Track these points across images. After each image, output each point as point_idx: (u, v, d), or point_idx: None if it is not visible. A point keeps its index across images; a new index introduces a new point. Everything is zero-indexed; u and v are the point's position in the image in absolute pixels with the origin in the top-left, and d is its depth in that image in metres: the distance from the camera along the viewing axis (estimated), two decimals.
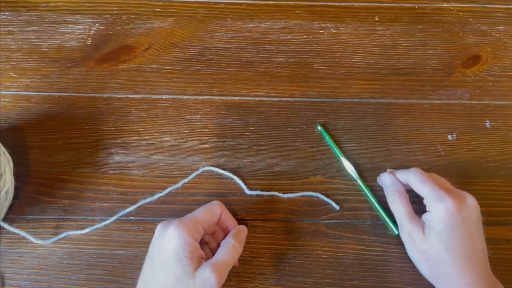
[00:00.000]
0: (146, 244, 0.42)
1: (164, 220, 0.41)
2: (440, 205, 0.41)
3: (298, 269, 0.46)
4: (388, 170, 0.48)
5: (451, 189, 0.43)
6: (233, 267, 0.44)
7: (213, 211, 0.42)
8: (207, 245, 0.44)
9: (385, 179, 0.46)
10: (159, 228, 0.40)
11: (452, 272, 0.40)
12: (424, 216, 0.43)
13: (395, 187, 0.45)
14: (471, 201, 0.42)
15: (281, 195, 0.48)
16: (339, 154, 0.50)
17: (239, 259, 0.45)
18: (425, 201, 0.43)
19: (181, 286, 0.37)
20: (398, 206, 0.44)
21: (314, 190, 0.48)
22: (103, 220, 0.47)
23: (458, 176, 0.50)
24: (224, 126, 0.52)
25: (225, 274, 0.39)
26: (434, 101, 0.53)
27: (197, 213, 0.41)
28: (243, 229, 0.43)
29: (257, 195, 0.48)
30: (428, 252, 0.41)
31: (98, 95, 0.53)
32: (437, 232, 0.41)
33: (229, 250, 0.40)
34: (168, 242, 0.38)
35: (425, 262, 0.42)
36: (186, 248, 0.38)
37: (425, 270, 0.43)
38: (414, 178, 0.44)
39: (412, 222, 0.43)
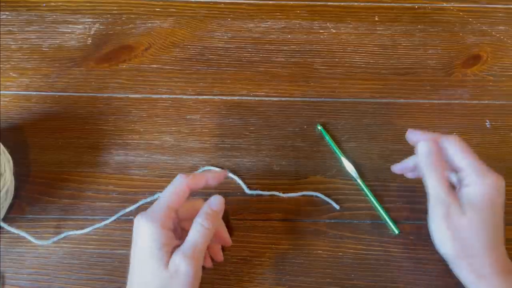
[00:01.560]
0: None
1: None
2: (485, 181, 0.39)
3: (298, 269, 0.46)
4: (417, 132, 0.43)
5: (486, 167, 0.40)
6: (224, 247, 0.42)
7: (178, 189, 0.38)
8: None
9: (422, 147, 0.41)
10: (134, 223, 0.37)
11: (482, 253, 0.38)
12: (462, 191, 0.40)
13: (432, 158, 0.41)
14: (503, 183, 0.40)
15: (281, 194, 0.48)
16: (339, 154, 0.50)
17: (238, 259, 0.46)
18: (463, 175, 0.40)
19: (158, 280, 0.35)
20: (436, 179, 0.40)
21: (314, 190, 0.48)
22: (103, 220, 0.47)
23: None
24: (224, 126, 0.52)
25: (199, 257, 0.36)
26: (434, 101, 0.53)
27: (163, 198, 0.38)
28: (215, 200, 0.39)
29: (257, 195, 0.48)
30: (463, 229, 0.38)
31: (98, 94, 0.53)
32: (479, 209, 0.38)
33: (197, 231, 0.37)
34: (141, 238, 0.36)
35: (456, 240, 0.39)
36: (158, 241, 0.36)
37: (452, 249, 0.39)
38: (455, 148, 0.40)
39: (450, 196, 0.39)
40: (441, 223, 0.39)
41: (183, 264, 0.35)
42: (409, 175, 0.47)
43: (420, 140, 0.42)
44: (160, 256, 0.36)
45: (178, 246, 0.37)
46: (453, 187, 0.41)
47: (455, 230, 0.39)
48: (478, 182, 0.39)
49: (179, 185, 0.39)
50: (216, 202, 0.39)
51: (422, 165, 0.41)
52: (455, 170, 0.41)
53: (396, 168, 0.46)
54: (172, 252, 0.36)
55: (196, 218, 0.38)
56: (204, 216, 0.38)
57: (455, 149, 0.40)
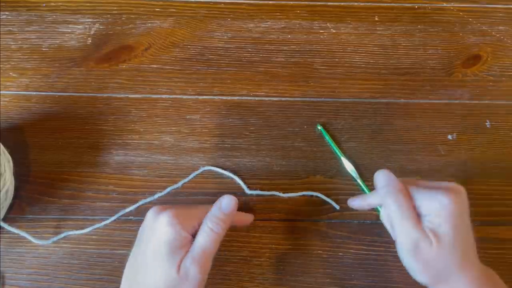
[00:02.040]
0: None
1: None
2: (436, 202, 0.37)
3: (298, 269, 0.46)
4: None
5: (433, 185, 0.39)
6: (245, 226, 0.42)
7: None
8: None
9: (379, 176, 0.40)
10: (151, 213, 0.37)
11: (457, 276, 0.37)
12: (423, 221, 0.37)
13: (392, 186, 0.38)
14: (459, 189, 0.38)
15: (281, 194, 0.48)
16: (339, 154, 0.50)
17: (238, 259, 0.46)
18: (421, 208, 0.38)
19: (168, 282, 0.35)
20: (399, 210, 0.37)
21: (314, 190, 0.48)
22: (103, 220, 0.47)
23: (458, 176, 0.50)
24: (224, 126, 0.52)
25: (208, 262, 0.36)
26: (434, 101, 0.53)
27: (195, 209, 0.38)
28: (224, 204, 0.38)
29: (257, 195, 0.48)
30: (434, 259, 0.37)
31: (98, 95, 0.53)
32: (444, 234, 0.36)
33: (206, 235, 0.36)
34: (162, 230, 0.35)
35: (427, 271, 0.37)
36: (178, 241, 0.35)
37: (426, 278, 0.38)
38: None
39: (417, 228, 0.37)
40: (409, 257, 0.37)
41: (192, 269, 0.35)
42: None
43: (381, 179, 0.39)
44: (175, 259, 0.35)
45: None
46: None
47: (425, 263, 0.37)
48: (431, 206, 0.37)
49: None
50: (228, 204, 0.38)
51: (383, 195, 0.38)
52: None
53: (354, 203, 0.43)
54: (185, 255, 0.36)
55: (205, 220, 0.37)
56: (215, 220, 0.37)
57: (411, 186, 0.39)
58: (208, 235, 0.37)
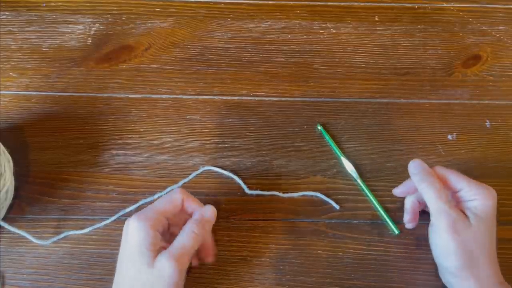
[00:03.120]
0: None
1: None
2: (487, 194, 0.41)
3: (298, 269, 0.46)
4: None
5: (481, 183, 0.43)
6: (205, 259, 0.43)
7: (173, 200, 0.41)
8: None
9: (412, 165, 0.43)
10: (125, 224, 0.39)
11: (486, 264, 0.40)
12: (467, 205, 0.41)
13: (426, 173, 0.42)
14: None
15: (281, 194, 0.48)
16: (339, 154, 0.50)
17: (238, 259, 0.46)
18: (463, 192, 0.42)
19: (144, 278, 0.36)
20: (435, 193, 0.41)
21: (314, 190, 0.48)
22: (103, 220, 0.47)
23: None
24: (224, 126, 0.52)
25: (185, 261, 0.38)
26: (434, 101, 0.53)
27: (158, 204, 0.40)
28: (207, 211, 0.41)
29: (257, 195, 0.48)
30: (469, 241, 0.39)
31: (98, 95, 0.53)
32: (484, 220, 0.40)
33: (187, 236, 0.38)
34: (131, 235, 0.38)
35: (461, 252, 0.39)
36: (148, 240, 0.37)
37: (458, 260, 0.40)
38: (447, 171, 0.43)
39: (455, 209, 0.40)
40: (446, 235, 0.40)
41: (167, 265, 0.36)
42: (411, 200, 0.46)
43: (415, 167, 0.43)
44: (148, 254, 0.37)
45: (164, 248, 0.38)
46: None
47: (461, 242, 0.39)
48: (482, 195, 0.41)
49: (174, 194, 0.41)
50: (209, 212, 0.41)
51: (417, 182, 0.42)
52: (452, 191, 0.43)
53: (398, 191, 0.47)
54: (157, 253, 0.37)
55: (187, 223, 0.40)
56: (196, 222, 0.40)
57: (448, 173, 0.43)
58: (188, 234, 0.39)
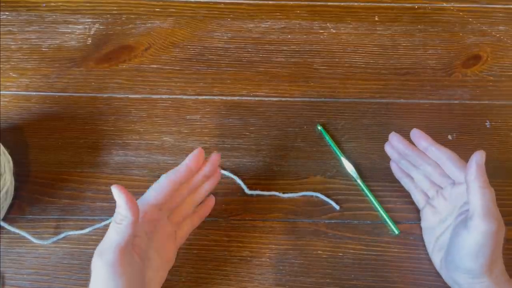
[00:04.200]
0: None
1: None
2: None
3: (298, 269, 0.46)
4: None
5: None
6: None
7: (161, 187, 0.40)
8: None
9: (478, 156, 0.39)
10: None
11: (500, 261, 0.40)
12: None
13: (483, 178, 0.38)
14: None
15: (281, 195, 0.48)
16: (339, 154, 0.50)
17: (238, 259, 0.46)
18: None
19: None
20: (489, 193, 0.38)
21: (314, 190, 0.48)
22: (103, 220, 0.47)
23: None
24: (224, 126, 0.52)
25: (115, 254, 0.35)
26: (434, 101, 0.53)
27: (148, 196, 0.40)
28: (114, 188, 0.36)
29: (257, 195, 0.48)
30: (498, 242, 0.38)
31: (98, 95, 0.53)
32: (501, 225, 0.38)
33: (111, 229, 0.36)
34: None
35: (491, 254, 0.38)
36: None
37: (486, 262, 0.38)
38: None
39: (499, 213, 0.38)
40: (488, 239, 0.37)
41: (98, 264, 0.35)
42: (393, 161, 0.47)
43: (473, 172, 0.39)
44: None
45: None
46: None
47: (495, 243, 0.38)
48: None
49: (160, 182, 0.40)
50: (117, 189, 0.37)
51: (473, 176, 0.38)
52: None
53: (390, 149, 0.47)
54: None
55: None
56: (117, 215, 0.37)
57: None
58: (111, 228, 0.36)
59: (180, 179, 0.41)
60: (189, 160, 0.41)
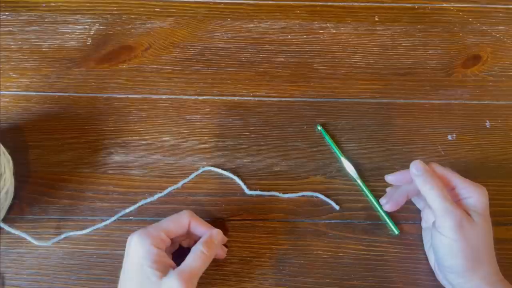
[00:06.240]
0: None
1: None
2: (481, 191, 0.41)
3: (298, 269, 0.46)
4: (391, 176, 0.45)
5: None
6: (218, 259, 0.44)
7: (180, 221, 0.41)
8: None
9: (415, 165, 0.41)
10: (128, 238, 0.40)
11: (490, 261, 0.40)
12: (466, 202, 0.41)
13: (429, 174, 0.41)
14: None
15: (281, 195, 0.48)
16: (339, 154, 0.50)
17: (238, 259, 0.46)
18: (459, 189, 0.42)
19: None
20: (438, 193, 0.40)
21: (314, 190, 0.48)
22: (103, 220, 0.47)
23: None
24: (224, 126, 0.52)
25: (193, 281, 0.38)
26: (434, 101, 0.53)
27: (163, 222, 0.41)
28: (215, 233, 0.42)
29: (257, 195, 0.48)
30: (474, 238, 0.39)
31: (98, 95, 0.53)
32: (484, 217, 0.40)
33: (197, 256, 0.39)
34: (132, 252, 0.38)
35: (468, 250, 0.39)
36: (148, 257, 0.38)
37: (465, 259, 0.39)
38: (442, 169, 0.42)
39: (460, 209, 0.40)
40: (453, 234, 0.39)
41: (176, 284, 0.36)
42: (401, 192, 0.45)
43: (417, 169, 0.42)
44: (151, 272, 0.37)
45: (170, 266, 0.39)
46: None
47: (467, 240, 0.39)
48: (477, 192, 0.41)
49: (181, 216, 0.42)
50: (219, 235, 0.42)
51: (421, 183, 0.41)
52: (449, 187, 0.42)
53: (391, 177, 0.45)
54: (162, 271, 0.38)
55: (197, 244, 0.40)
56: (206, 244, 0.40)
57: (444, 171, 0.42)
58: (199, 256, 0.39)
59: (195, 228, 0.42)
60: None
